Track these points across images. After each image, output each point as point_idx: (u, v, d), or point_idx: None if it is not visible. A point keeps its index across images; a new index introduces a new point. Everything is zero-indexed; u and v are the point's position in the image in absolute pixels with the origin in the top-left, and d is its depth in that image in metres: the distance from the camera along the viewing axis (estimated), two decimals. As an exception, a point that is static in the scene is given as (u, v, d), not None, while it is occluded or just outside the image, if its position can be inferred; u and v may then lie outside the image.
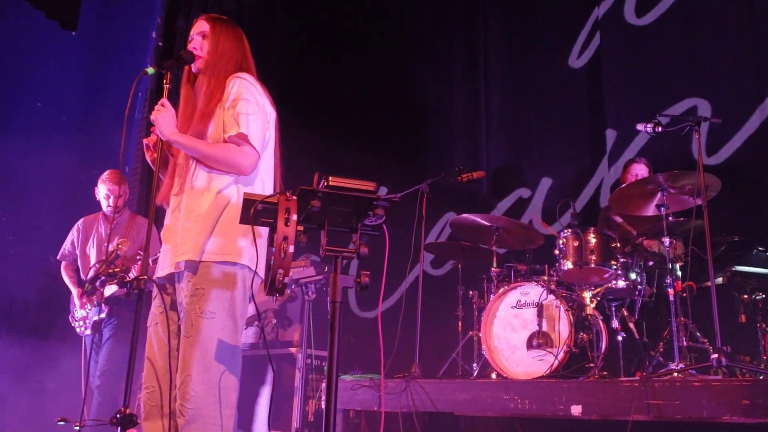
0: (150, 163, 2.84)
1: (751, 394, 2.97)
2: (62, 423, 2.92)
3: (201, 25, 2.88)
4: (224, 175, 2.70)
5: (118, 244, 3.88)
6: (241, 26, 2.98)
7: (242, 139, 2.65)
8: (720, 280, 4.26)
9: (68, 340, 5.45)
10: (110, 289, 4.66)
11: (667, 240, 4.04)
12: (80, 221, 5.11)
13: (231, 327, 2.61)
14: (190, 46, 2.84)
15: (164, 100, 2.71)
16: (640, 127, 4.17)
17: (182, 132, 2.71)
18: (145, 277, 2.49)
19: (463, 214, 4.88)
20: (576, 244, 4.33)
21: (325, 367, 2.02)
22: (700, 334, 4.03)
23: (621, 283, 4.34)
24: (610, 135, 5.59)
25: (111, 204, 4.89)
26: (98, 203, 5.01)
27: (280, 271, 1.99)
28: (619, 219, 4.81)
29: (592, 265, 4.28)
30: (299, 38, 7.59)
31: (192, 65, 2.83)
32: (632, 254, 4.36)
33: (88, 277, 4.78)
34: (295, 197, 2.05)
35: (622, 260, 4.32)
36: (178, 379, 2.54)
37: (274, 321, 5.05)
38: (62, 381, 5.73)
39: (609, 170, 5.56)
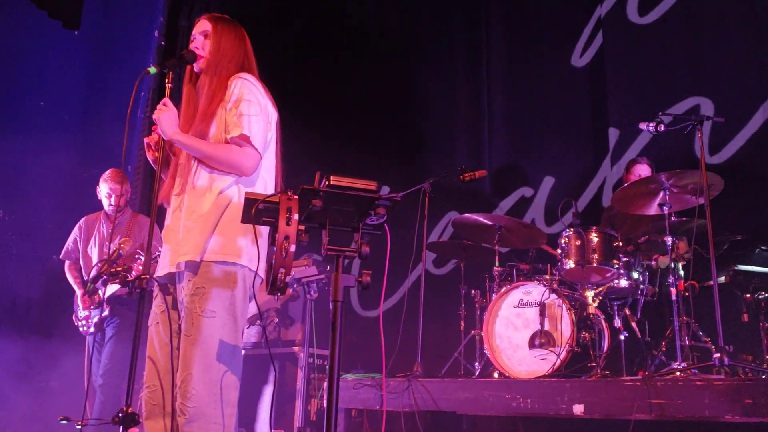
0: (151, 163, 2.84)
1: (753, 393, 2.96)
2: (64, 422, 2.92)
3: (203, 25, 2.88)
4: (226, 175, 2.70)
5: (120, 244, 3.88)
6: (242, 25, 2.98)
7: (244, 140, 2.66)
8: (722, 279, 4.26)
9: (70, 339, 5.45)
10: (112, 289, 4.67)
11: (669, 239, 4.04)
12: (82, 220, 5.12)
13: (231, 326, 2.61)
14: (192, 46, 2.84)
15: (166, 100, 2.71)
16: (642, 126, 4.16)
17: (184, 131, 2.71)
18: (147, 276, 2.49)
19: (466, 214, 4.88)
20: (578, 243, 4.33)
21: (327, 366, 2.02)
22: (702, 334, 4.02)
23: (623, 282, 4.34)
24: (613, 134, 5.58)
25: (113, 203, 4.89)
26: (100, 202, 5.01)
27: (282, 270, 1.99)
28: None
29: (595, 264, 4.28)
30: (300, 38, 7.59)
31: (194, 65, 2.83)
32: (634, 253, 4.35)
33: (90, 276, 4.78)
34: (296, 196, 2.05)
35: (624, 259, 4.31)
36: (179, 378, 2.54)
37: (277, 320, 5.05)
38: (64, 380, 5.74)
39: (611, 169, 5.55)
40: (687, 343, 3.88)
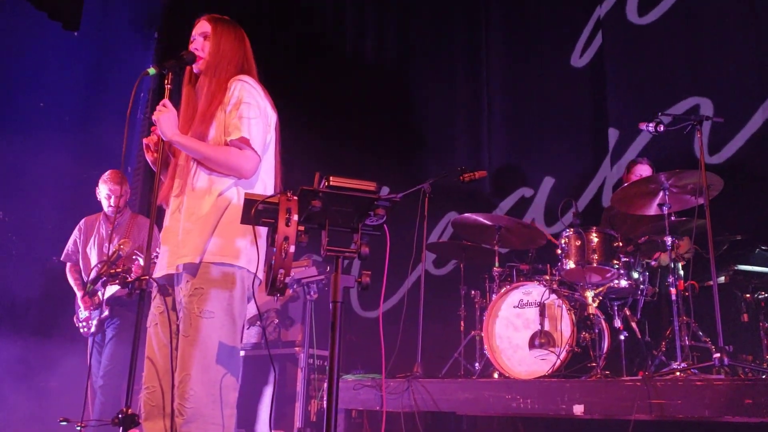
0: (150, 164, 2.84)
1: (753, 393, 2.96)
2: (64, 423, 2.92)
3: (203, 26, 2.88)
4: (225, 177, 2.70)
5: (119, 245, 3.87)
6: (242, 26, 2.98)
7: (244, 143, 2.66)
8: (722, 279, 4.26)
9: (70, 340, 5.45)
10: (111, 290, 4.67)
11: (669, 239, 4.04)
12: (82, 221, 5.11)
13: (230, 326, 2.61)
14: (191, 47, 2.84)
15: (166, 101, 2.71)
16: (642, 126, 4.16)
17: (183, 132, 2.71)
18: (147, 277, 2.49)
19: (465, 214, 4.87)
20: (578, 243, 4.33)
21: (327, 367, 2.02)
22: (702, 334, 4.02)
23: (623, 283, 4.34)
24: (613, 134, 5.58)
25: (112, 204, 4.89)
26: (100, 203, 5.01)
27: (281, 271, 1.99)
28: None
29: (595, 265, 4.28)
30: (300, 38, 7.59)
31: (193, 66, 2.83)
32: (634, 253, 4.35)
33: (90, 277, 4.78)
34: (296, 197, 2.05)
35: (624, 259, 4.31)
36: (177, 379, 2.54)
37: (276, 321, 5.05)
38: (64, 380, 5.74)
39: (611, 169, 5.55)
40: (687, 343, 3.88)
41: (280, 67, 7.14)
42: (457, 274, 5.27)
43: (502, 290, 4.49)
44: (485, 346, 4.43)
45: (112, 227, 4.93)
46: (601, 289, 4.39)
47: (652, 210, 4.27)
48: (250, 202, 2.14)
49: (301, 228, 2.04)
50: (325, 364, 4.83)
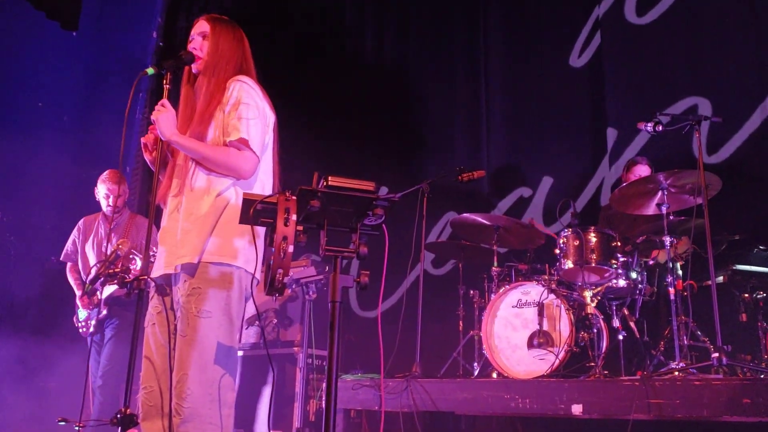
0: (149, 164, 2.84)
1: (751, 393, 2.97)
2: (63, 423, 2.92)
3: (201, 26, 2.87)
4: (223, 177, 2.70)
5: (118, 244, 3.88)
6: (241, 26, 2.98)
7: (243, 144, 2.66)
8: (721, 278, 4.26)
9: (69, 340, 5.45)
10: (110, 289, 4.66)
11: (667, 239, 4.04)
12: (81, 221, 5.11)
13: (227, 326, 2.61)
14: (190, 47, 2.84)
15: (164, 101, 2.70)
16: (640, 126, 4.17)
17: (181, 132, 2.71)
18: (146, 277, 2.49)
19: (464, 214, 4.88)
20: (576, 243, 4.34)
21: (326, 367, 2.02)
22: (700, 333, 4.03)
23: (622, 282, 4.34)
24: (611, 134, 5.58)
25: (110, 204, 4.89)
26: (98, 203, 5.01)
27: (280, 270, 1.99)
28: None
29: (593, 264, 4.28)
30: (300, 38, 7.59)
31: (192, 66, 2.83)
32: (633, 253, 4.35)
33: (89, 277, 4.78)
34: (294, 197, 2.05)
35: (622, 259, 4.32)
36: (175, 378, 2.54)
37: (275, 321, 5.05)
38: (63, 381, 5.74)
39: (610, 169, 5.55)
40: (685, 342, 3.88)
41: (279, 66, 7.14)
42: (455, 274, 5.28)
43: (501, 290, 4.49)
44: (484, 346, 4.43)
45: (110, 227, 4.93)
46: (599, 288, 4.39)
47: (651, 210, 4.27)
48: (248, 201, 2.14)
49: (300, 228, 2.05)
50: (324, 363, 4.83)
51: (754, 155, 4.91)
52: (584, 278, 4.35)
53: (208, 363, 2.54)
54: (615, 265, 4.28)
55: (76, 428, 2.84)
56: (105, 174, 4.94)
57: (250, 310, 4.60)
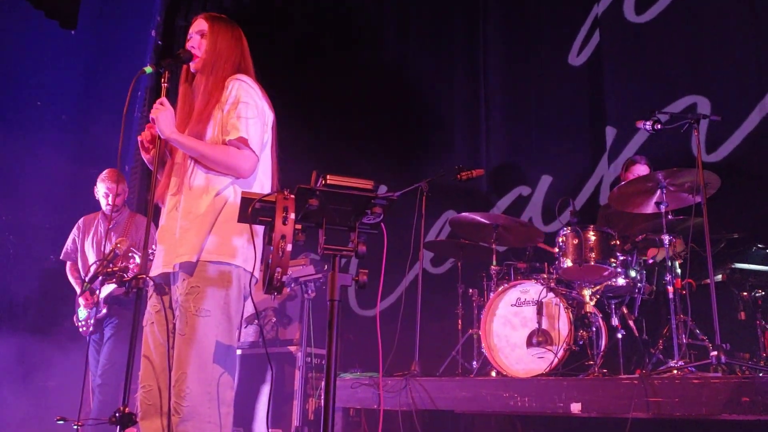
0: (147, 162, 2.83)
1: (750, 391, 2.97)
2: (62, 422, 2.93)
3: (200, 24, 2.87)
4: (222, 176, 2.70)
5: (117, 243, 3.87)
6: (240, 25, 2.98)
7: (242, 142, 2.66)
8: (719, 277, 4.25)
9: (68, 339, 5.45)
10: (109, 288, 4.67)
11: (666, 237, 4.04)
12: (80, 220, 5.12)
13: (226, 325, 2.61)
14: (188, 45, 2.83)
15: (163, 99, 2.70)
16: (639, 124, 4.16)
17: (179, 131, 2.71)
18: (144, 275, 2.49)
19: (463, 213, 4.88)
20: (575, 241, 4.33)
21: (325, 366, 2.02)
22: (699, 332, 4.03)
23: (620, 281, 4.34)
24: (610, 132, 5.58)
25: (110, 203, 4.89)
26: (98, 202, 5.01)
27: (278, 269, 1.99)
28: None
29: (592, 263, 4.28)
30: (298, 36, 7.59)
31: (190, 64, 2.83)
32: (632, 252, 4.35)
33: (88, 276, 4.78)
34: (293, 196, 2.04)
35: (621, 258, 4.32)
36: (173, 377, 2.54)
37: (274, 319, 5.05)
38: (62, 380, 5.74)
39: (609, 168, 5.55)
40: (684, 341, 3.88)
41: (278, 66, 7.14)
42: (454, 273, 5.28)
43: (500, 288, 4.50)
44: (483, 345, 4.43)
45: (109, 226, 4.93)
46: (598, 287, 4.39)
47: (650, 208, 4.27)
48: (247, 200, 2.14)
49: (299, 226, 2.05)
50: (323, 362, 4.81)
51: (752, 154, 4.90)
52: (583, 277, 4.35)
53: (207, 362, 2.54)
54: (614, 264, 4.28)
55: (75, 427, 2.84)
56: (104, 173, 4.95)
57: (249, 308, 4.59)
